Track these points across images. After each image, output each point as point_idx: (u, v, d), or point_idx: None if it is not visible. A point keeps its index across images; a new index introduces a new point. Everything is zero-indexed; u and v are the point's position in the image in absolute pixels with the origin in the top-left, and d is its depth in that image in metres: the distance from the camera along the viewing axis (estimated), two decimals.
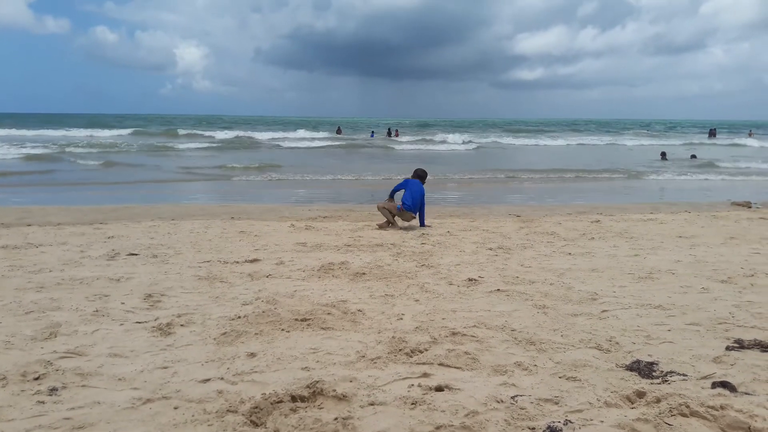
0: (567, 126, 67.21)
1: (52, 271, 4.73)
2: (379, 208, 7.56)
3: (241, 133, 37.38)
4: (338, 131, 42.66)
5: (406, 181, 7.68)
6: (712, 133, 45.75)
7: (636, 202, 11.08)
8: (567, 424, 2.21)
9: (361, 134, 41.13)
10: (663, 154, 22.87)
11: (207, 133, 37.28)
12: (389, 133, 39.38)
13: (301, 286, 4.37)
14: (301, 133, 39.69)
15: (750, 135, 45.91)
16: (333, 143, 30.85)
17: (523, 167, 18.67)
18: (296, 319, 3.50)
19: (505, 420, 2.27)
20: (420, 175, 7.75)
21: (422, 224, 7.57)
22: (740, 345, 3.09)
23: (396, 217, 7.55)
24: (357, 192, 12.33)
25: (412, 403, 2.41)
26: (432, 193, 8.76)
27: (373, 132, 41.46)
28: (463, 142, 33.43)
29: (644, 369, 2.78)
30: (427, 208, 7.78)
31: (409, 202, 7.38)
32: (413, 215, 7.48)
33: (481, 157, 25.03)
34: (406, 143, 32.15)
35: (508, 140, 37.19)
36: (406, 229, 7.30)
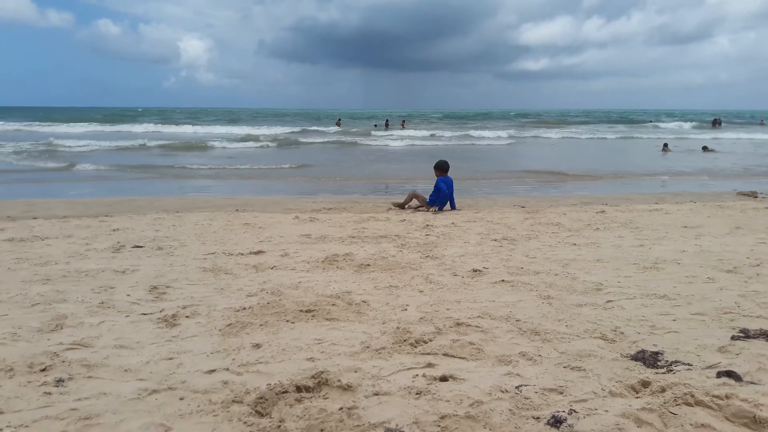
0: (578, 117, 66.08)
1: (57, 264, 4.75)
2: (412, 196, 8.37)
3: (241, 128, 37.27)
4: (338, 123, 42.52)
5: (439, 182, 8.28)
6: (717, 123, 43.91)
7: (641, 192, 11.03)
8: (572, 413, 2.21)
9: (362, 127, 41.04)
10: (665, 146, 22.50)
11: (207, 129, 37.31)
12: (386, 125, 39.22)
13: (306, 278, 4.38)
14: (302, 126, 39.59)
15: (762, 124, 44.78)
16: (334, 137, 30.77)
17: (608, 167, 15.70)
18: (301, 311, 3.51)
19: (510, 409, 2.27)
20: (443, 167, 8.48)
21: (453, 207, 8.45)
22: (746, 335, 3.08)
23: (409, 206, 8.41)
24: (361, 184, 12.32)
25: (417, 393, 2.42)
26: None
27: (376, 124, 41.46)
28: (507, 137, 32.62)
29: (649, 359, 2.78)
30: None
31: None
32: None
33: (529, 151, 24.15)
34: (426, 137, 31.77)
35: (532, 133, 36.33)
36: (410, 220, 7.29)
